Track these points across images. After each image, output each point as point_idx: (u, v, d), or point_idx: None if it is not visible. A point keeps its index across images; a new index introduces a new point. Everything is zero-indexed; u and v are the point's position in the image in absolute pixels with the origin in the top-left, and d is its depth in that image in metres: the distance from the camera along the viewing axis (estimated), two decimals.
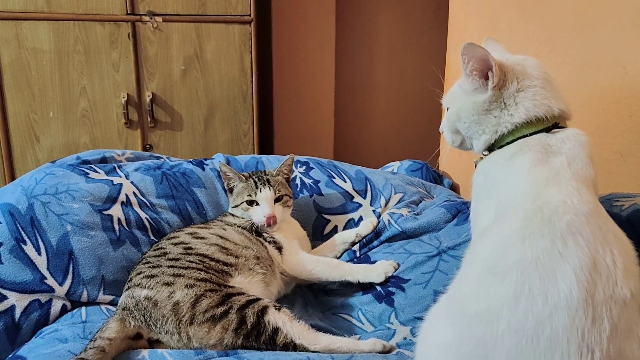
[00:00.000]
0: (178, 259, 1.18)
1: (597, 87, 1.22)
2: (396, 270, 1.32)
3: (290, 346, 1.04)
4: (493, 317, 0.71)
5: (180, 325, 1.04)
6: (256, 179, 1.40)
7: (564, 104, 0.94)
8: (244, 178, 1.40)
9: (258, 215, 1.35)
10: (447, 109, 1.02)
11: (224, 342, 1.04)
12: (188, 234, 1.28)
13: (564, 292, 0.69)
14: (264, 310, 1.06)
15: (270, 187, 1.38)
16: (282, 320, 1.06)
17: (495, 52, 0.95)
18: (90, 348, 0.99)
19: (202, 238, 1.26)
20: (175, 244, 1.24)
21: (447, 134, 1.04)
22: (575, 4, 1.29)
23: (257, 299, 1.08)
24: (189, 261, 1.17)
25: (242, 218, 1.38)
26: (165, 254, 1.21)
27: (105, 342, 1.00)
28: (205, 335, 1.04)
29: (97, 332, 1.05)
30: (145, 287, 1.10)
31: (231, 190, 1.42)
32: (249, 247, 1.27)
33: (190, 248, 1.22)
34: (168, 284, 1.10)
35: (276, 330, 1.04)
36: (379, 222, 1.48)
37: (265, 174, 1.43)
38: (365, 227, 1.47)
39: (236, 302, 1.07)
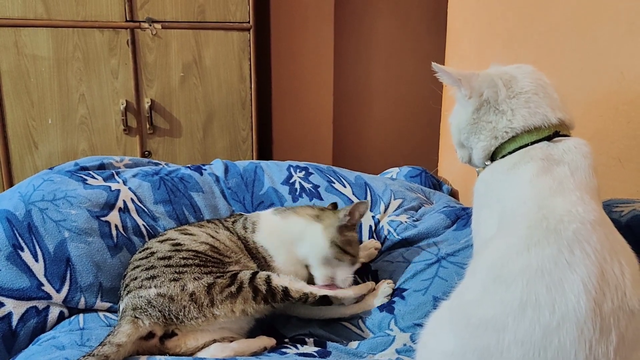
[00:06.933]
0: (170, 257, 1.17)
1: (595, 92, 1.22)
2: (393, 289, 1.29)
3: (304, 297, 1.16)
4: (499, 327, 0.70)
5: (203, 308, 1.08)
6: None
7: (563, 112, 0.94)
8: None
9: (341, 275, 1.25)
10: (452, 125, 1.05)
11: (248, 311, 1.11)
12: (175, 243, 1.24)
13: (571, 302, 0.67)
14: (268, 278, 1.15)
15: None
16: (285, 281, 1.16)
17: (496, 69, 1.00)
18: (90, 355, 0.98)
19: (193, 237, 1.25)
20: (167, 244, 1.22)
21: (457, 150, 1.06)
22: (573, 10, 1.29)
23: (257, 272, 1.17)
24: (182, 258, 1.16)
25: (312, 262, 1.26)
26: (169, 257, 1.19)
27: (113, 349, 0.99)
28: (229, 311, 1.09)
29: (107, 336, 1.03)
30: (151, 287, 1.10)
31: (343, 229, 1.26)
32: (238, 253, 1.25)
33: (181, 245, 1.21)
34: (175, 280, 1.11)
35: (285, 289, 1.14)
36: (382, 244, 1.44)
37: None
38: (369, 256, 1.42)
39: (244, 277, 1.13)
